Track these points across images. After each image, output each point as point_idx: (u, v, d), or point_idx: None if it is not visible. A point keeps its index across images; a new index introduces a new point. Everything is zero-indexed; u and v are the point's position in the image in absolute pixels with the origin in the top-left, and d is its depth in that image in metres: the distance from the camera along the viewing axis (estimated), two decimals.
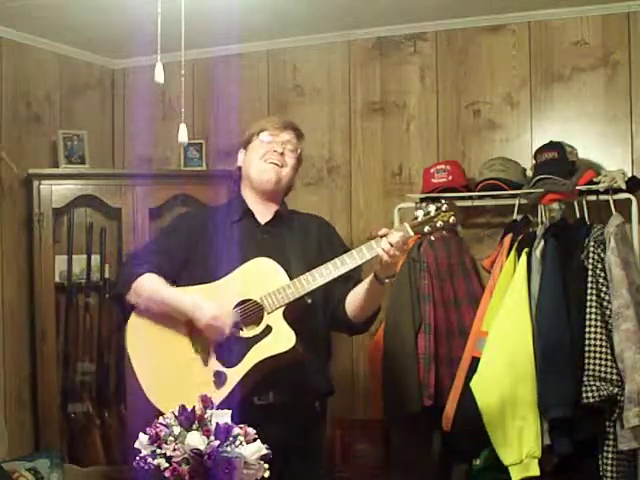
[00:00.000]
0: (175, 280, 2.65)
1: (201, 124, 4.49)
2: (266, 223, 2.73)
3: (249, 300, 2.54)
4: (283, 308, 2.50)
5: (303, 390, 2.60)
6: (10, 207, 4.08)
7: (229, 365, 2.50)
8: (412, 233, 2.46)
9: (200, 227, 2.72)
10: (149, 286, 2.62)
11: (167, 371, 2.57)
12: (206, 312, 2.50)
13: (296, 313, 2.52)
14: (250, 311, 2.54)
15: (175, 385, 2.52)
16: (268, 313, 2.50)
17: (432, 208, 2.47)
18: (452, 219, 2.45)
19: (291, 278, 2.54)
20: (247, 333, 2.52)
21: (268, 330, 2.49)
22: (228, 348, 2.51)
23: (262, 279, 2.54)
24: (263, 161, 2.70)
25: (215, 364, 2.52)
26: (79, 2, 3.67)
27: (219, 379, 2.47)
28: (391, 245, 2.41)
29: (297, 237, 2.72)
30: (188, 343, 2.59)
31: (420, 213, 2.47)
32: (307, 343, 2.52)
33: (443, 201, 2.50)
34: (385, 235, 2.45)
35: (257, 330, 2.51)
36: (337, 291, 2.66)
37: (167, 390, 2.52)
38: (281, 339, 2.47)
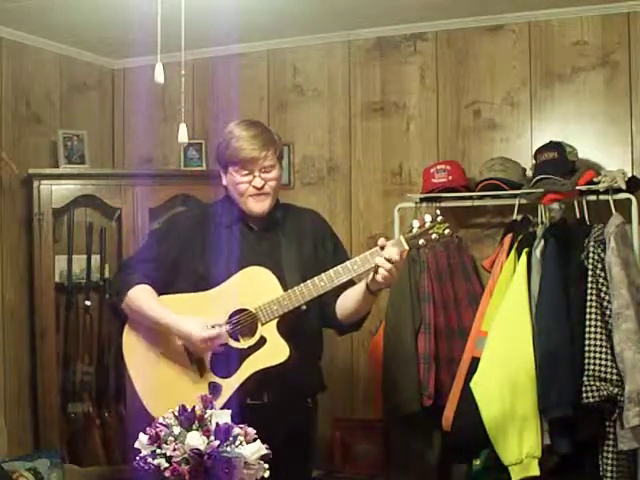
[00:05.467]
0: (170, 286, 2.65)
1: (201, 124, 4.50)
2: (260, 228, 2.70)
3: (244, 310, 2.54)
4: (277, 320, 2.51)
5: (296, 389, 2.61)
6: (10, 207, 4.08)
7: (224, 375, 2.52)
8: (407, 247, 2.45)
9: (193, 232, 2.69)
10: (138, 300, 2.62)
11: (163, 381, 2.58)
12: (195, 337, 2.50)
13: (291, 320, 2.53)
14: (245, 321, 2.54)
15: (171, 395, 2.49)
16: (262, 324, 2.51)
17: (428, 219, 2.46)
18: (447, 231, 2.44)
19: (285, 285, 2.54)
20: (242, 344, 2.53)
21: (263, 341, 2.51)
22: (223, 359, 2.53)
23: (257, 289, 2.54)
24: (245, 198, 2.63)
25: (210, 375, 2.54)
26: (79, 2, 3.67)
27: (214, 390, 2.48)
28: (387, 260, 2.41)
29: (292, 241, 2.69)
30: (183, 352, 2.60)
31: (415, 224, 2.46)
32: (300, 345, 2.53)
33: (438, 211, 2.50)
34: (383, 247, 2.44)
35: (252, 341, 2.52)
36: (329, 292, 2.63)
37: (163, 400, 2.49)
38: (275, 351, 2.49)
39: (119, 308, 2.67)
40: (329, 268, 2.53)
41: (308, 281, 2.50)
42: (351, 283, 2.61)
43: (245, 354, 2.51)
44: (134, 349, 2.67)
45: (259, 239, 2.68)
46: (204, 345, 2.50)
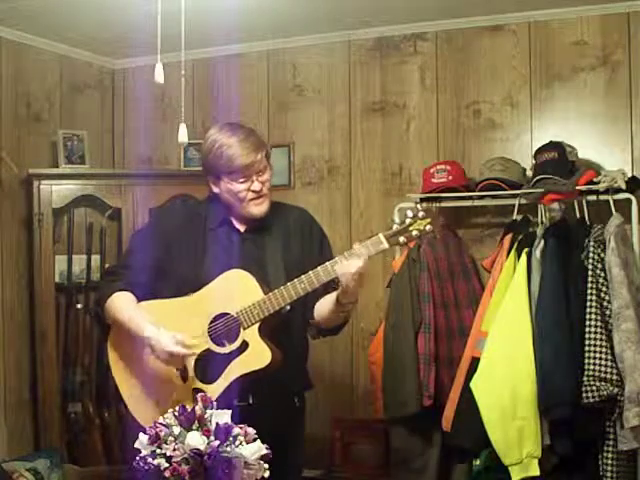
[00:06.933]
0: (155, 290, 2.62)
1: (201, 124, 4.49)
2: (246, 230, 2.66)
3: (227, 314, 2.52)
4: (259, 323, 2.49)
5: (281, 389, 2.60)
6: (10, 207, 4.08)
7: (208, 381, 2.50)
8: (386, 244, 2.40)
9: (179, 234, 2.65)
10: (115, 307, 2.60)
11: (147, 388, 2.55)
12: (163, 348, 2.46)
13: (273, 322, 2.52)
14: (227, 326, 2.52)
15: (155, 402, 2.51)
16: (244, 329, 2.49)
17: (409, 214, 2.40)
18: (428, 227, 2.38)
19: (270, 287, 2.51)
20: (225, 349, 2.51)
21: (245, 346, 2.49)
22: (207, 364, 2.51)
23: (238, 292, 2.51)
24: (246, 203, 2.60)
25: (194, 381, 2.52)
26: (79, 2, 3.67)
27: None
28: (347, 267, 2.38)
29: (278, 242, 2.66)
30: None
31: (397, 221, 2.42)
32: (284, 346, 2.52)
33: (419, 207, 2.46)
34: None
35: (234, 346, 2.50)
36: (310, 295, 2.60)
37: (148, 407, 2.51)
38: (257, 356, 2.47)
39: (101, 316, 2.66)
40: (315, 268, 2.50)
41: (288, 283, 2.47)
42: (331, 287, 2.58)
43: (228, 359, 2.49)
44: (118, 356, 2.66)
45: (245, 241, 2.65)
46: (167, 358, 2.47)
